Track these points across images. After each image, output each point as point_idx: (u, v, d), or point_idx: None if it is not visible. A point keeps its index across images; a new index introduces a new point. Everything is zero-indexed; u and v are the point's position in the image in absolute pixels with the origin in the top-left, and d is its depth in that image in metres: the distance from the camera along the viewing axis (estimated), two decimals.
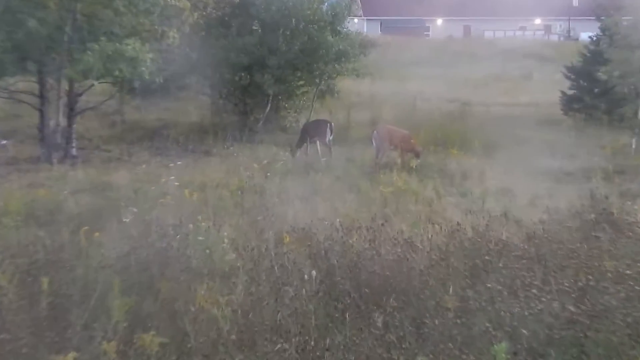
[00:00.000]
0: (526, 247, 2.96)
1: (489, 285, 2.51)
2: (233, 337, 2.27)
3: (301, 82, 11.27)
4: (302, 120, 10.62)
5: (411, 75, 18.05)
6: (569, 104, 12.35)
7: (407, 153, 7.37)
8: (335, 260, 2.87)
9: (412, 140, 7.38)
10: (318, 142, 8.21)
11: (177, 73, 10.32)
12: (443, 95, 14.45)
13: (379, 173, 6.51)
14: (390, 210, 4.80)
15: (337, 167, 7.14)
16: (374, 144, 7.38)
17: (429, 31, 32.92)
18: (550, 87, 13.63)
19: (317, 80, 10.95)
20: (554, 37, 29.93)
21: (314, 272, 2.71)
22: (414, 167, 6.79)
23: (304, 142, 8.14)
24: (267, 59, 9.76)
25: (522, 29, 31.57)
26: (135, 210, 4.10)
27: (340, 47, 10.00)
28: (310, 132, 8.19)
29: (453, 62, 20.62)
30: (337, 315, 2.38)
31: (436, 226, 3.46)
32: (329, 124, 8.11)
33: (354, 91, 14.10)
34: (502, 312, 2.30)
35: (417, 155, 7.36)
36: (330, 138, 8.07)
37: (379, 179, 6.13)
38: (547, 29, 31.63)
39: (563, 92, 12.57)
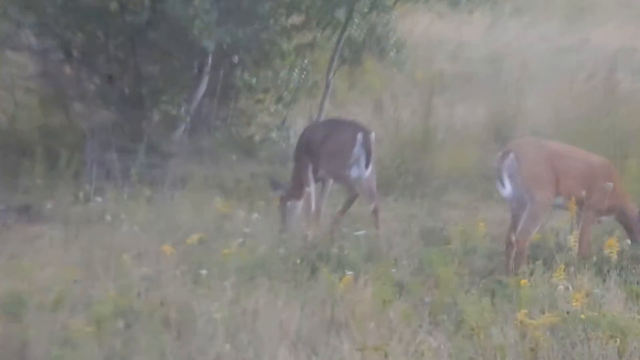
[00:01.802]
0: None
1: None
2: None
3: (294, 22, 11.73)
4: (300, 125, 10.94)
5: (597, 5, 18.58)
6: None
7: (600, 215, 7.50)
8: None
9: (613, 182, 7.48)
10: (337, 182, 8.47)
11: None
12: None
13: (517, 271, 6.61)
14: None
15: (398, 252, 7.31)
16: (509, 189, 7.47)
17: None
18: None
19: (340, 17, 11.40)
20: None
21: None
22: (617, 253, 6.85)
23: (305, 182, 8.39)
24: None
25: None
26: None
27: None
28: (317, 151, 8.41)
29: None
30: None
31: None
32: (360, 134, 8.27)
33: (443, 46, 14.49)
34: None
35: (630, 225, 7.48)
36: (366, 172, 8.24)
37: (517, 288, 6.20)
38: None
39: None
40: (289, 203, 8.29)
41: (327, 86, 11.74)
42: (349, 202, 8.11)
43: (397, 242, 7.70)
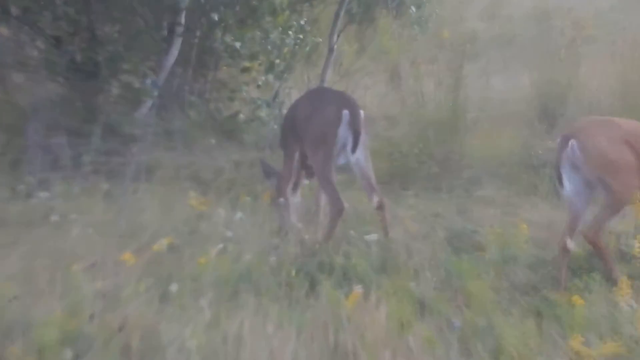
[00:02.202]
0: None
1: None
2: None
3: None
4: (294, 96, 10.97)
5: None
6: None
7: None
8: None
9: None
10: (320, 185, 8.39)
11: None
12: None
13: (613, 275, 6.66)
14: None
15: (419, 261, 7.34)
16: (569, 187, 7.38)
17: None
18: None
19: None
20: None
21: None
22: None
23: (288, 174, 8.47)
24: None
25: None
26: None
27: None
28: (303, 134, 8.39)
29: None
30: None
31: None
32: (346, 112, 8.10)
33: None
34: None
35: None
36: (354, 157, 8.17)
37: (569, 307, 6.23)
38: None
39: None
40: (285, 195, 8.33)
41: (331, 51, 11.78)
42: (334, 221, 7.93)
43: (417, 248, 7.67)
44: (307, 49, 12.32)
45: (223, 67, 12.16)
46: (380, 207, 8.05)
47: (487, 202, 9.02)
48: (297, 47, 12.17)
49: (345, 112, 8.01)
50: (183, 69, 11.41)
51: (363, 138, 8.09)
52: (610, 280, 6.68)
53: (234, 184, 9.19)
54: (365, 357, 5.51)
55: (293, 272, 6.80)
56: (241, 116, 11.71)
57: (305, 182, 8.48)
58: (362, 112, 8.15)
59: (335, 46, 11.78)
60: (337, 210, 7.88)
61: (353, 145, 8.02)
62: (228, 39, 11.82)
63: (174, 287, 6.23)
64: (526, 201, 8.61)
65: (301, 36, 12.15)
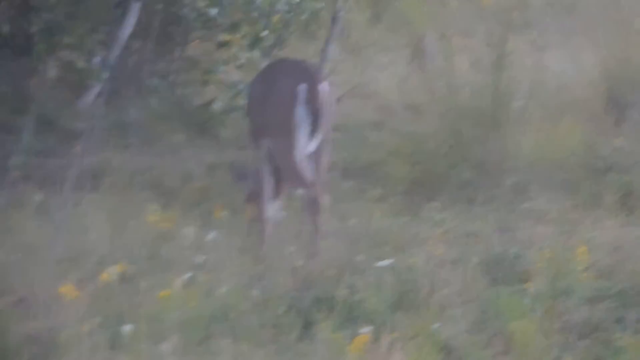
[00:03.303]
0: None
1: None
2: None
3: None
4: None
5: None
6: None
7: None
8: None
9: None
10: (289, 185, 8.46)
11: None
12: None
13: None
14: None
15: (447, 295, 7.37)
16: None
17: None
18: None
19: None
20: None
21: None
22: None
23: (259, 174, 8.48)
24: None
25: None
26: None
27: None
28: (259, 116, 8.49)
29: None
30: None
31: None
32: (303, 86, 8.09)
33: None
34: None
35: None
36: (312, 145, 8.16)
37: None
38: None
39: None
40: (264, 206, 8.31)
41: (335, 20, 11.82)
42: (314, 208, 8.02)
43: (444, 278, 7.66)
44: (304, 16, 12.36)
45: (194, 41, 12.22)
46: (314, 202, 8.09)
47: (536, 218, 9.03)
48: (291, 14, 12.22)
49: (302, 87, 8.02)
50: (142, 43, 11.47)
51: (326, 120, 8.10)
52: None
53: (207, 194, 9.24)
54: None
55: (282, 310, 6.86)
56: (217, 104, 11.76)
57: (296, 190, 8.43)
58: (325, 86, 8.15)
59: (342, 13, 11.83)
60: (301, 184, 8.02)
61: (311, 130, 8.03)
62: (201, 3, 11.88)
63: (127, 329, 6.29)
64: (587, 216, 8.63)
65: (297, 1, 12.20)
